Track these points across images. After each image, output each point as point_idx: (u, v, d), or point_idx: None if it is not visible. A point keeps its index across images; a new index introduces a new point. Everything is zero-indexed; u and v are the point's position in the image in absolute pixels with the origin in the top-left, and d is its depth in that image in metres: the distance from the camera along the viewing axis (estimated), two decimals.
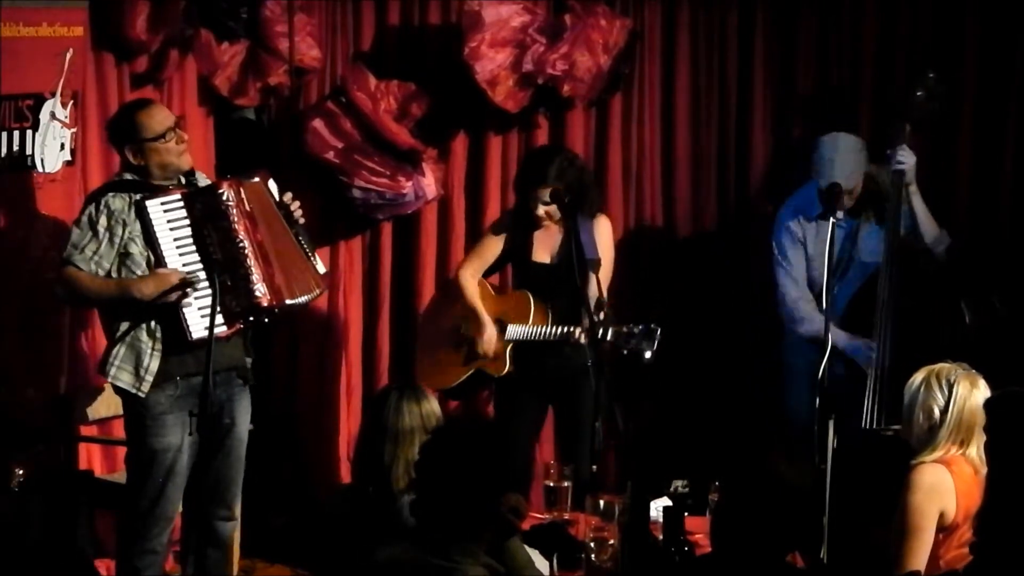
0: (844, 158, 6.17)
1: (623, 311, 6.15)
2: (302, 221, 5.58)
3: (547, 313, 6.08)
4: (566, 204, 5.99)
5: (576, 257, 5.90)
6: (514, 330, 6.11)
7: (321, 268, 5.68)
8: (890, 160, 6.12)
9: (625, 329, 5.72)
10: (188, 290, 5.29)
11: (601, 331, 5.60)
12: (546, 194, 6.04)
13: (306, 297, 5.58)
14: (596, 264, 5.83)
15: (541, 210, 6.08)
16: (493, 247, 6.27)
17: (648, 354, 5.72)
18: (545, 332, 6.03)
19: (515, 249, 6.22)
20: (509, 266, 6.39)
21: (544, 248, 6.17)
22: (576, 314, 5.93)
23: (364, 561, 4.00)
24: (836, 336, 5.89)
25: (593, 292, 5.79)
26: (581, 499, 5.10)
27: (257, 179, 5.54)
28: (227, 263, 5.35)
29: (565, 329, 5.96)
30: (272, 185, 5.57)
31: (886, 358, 5.97)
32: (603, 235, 6.11)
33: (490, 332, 6.13)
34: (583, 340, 5.86)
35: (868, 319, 6.04)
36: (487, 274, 6.34)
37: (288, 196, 5.57)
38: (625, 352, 5.71)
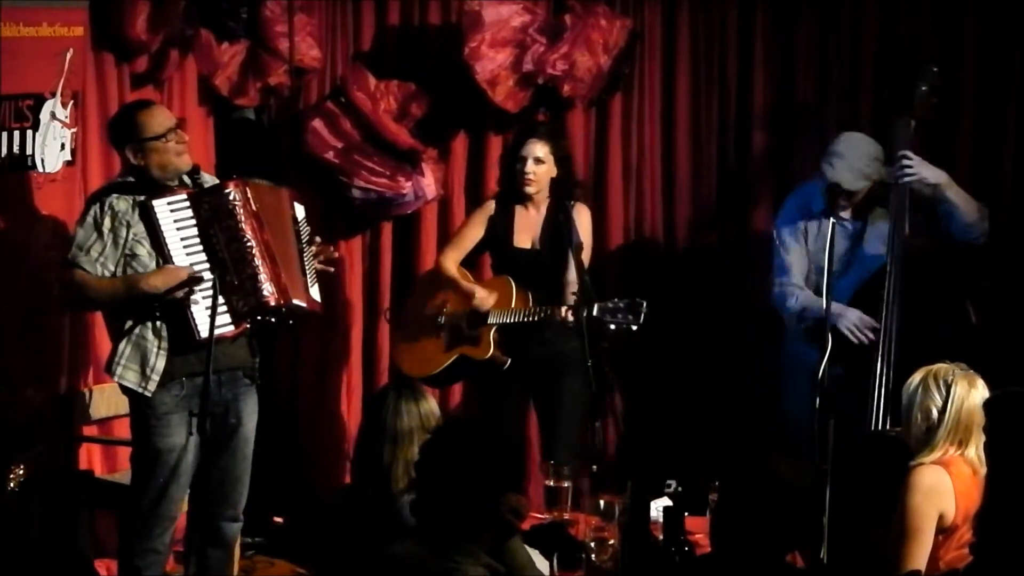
0: (853, 160, 6.09)
1: None
2: (314, 249, 5.56)
3: (528, 298, 6.08)
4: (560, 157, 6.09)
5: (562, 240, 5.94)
6: (497, 314, 6.11)
7: (316, 296, 5.58)
8: (896, 164, 6.05)
9: (611, 304, 5.70)
10: (195, 288, 5.27)
11: (587, 307, 5.59)
12: (536, 148, 6.07)
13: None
14: (579, 247, 5.83)
15: (530, 167, 6.08)
16: (473, 233, 6.29)
17: (635, 327, 5.70)
18: (529, 313, 6.03)
19: (496, 235, 6.23)
20: (488, 255, 6.40)
21: (525, 233, 6.19)
22: (557, 300, 5.95)
23: (376, 554, 4.00)
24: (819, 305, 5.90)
25: (577, 275, 5.78)
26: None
27: (280, 188, 5.57)
28: (234, 263, 5.33)
29: (549, 309, 5.96)
30: (299, 206, 5.57)
31: (892, 360, 5.94)
32: (583, 222, 6.15)
33: (481, 293, 6.12)
34: (568, 317, 5.86)
35: (871, 314, 6.02)
36: (468, 262, 6.34)
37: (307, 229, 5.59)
38: (612, 327, 5.68)
